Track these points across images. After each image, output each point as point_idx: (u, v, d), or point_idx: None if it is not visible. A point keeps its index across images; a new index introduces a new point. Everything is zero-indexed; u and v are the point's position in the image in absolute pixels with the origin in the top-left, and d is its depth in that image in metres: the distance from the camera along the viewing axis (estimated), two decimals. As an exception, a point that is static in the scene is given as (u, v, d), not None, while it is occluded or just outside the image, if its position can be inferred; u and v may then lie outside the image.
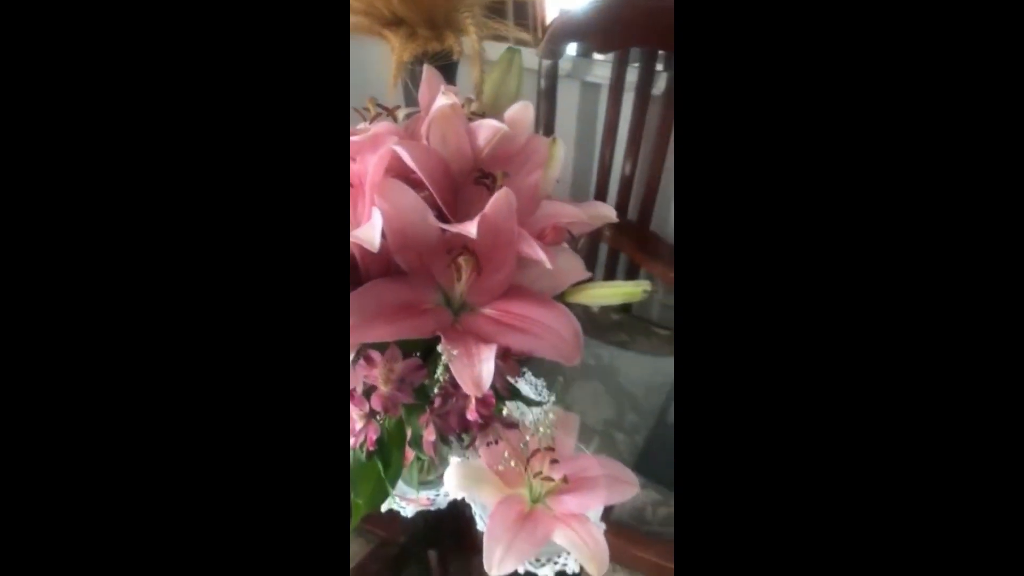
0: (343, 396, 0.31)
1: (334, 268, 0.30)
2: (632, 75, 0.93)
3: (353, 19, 0.47)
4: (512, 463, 0.51)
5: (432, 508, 0.58)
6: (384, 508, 0.57)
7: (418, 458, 0.43)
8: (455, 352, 0.34)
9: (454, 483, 0.51)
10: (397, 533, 0.74)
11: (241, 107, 0.29)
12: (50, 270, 0.27)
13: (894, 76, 0.28)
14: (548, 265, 0.35)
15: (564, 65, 1.00)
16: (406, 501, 0.57)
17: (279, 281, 0.29)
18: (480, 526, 0.55)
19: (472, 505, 0.56)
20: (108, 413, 0.28)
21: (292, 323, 0.29)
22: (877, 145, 0.28)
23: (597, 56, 1.04)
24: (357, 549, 0.83)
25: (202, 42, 0.28)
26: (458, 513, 0.70)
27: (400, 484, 0.46)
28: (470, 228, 0.34)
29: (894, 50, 0.28)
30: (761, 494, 0.28)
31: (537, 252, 0.35)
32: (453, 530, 0.80)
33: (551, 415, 0.38)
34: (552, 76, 0.90)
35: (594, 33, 0.90)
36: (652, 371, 0.98)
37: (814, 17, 0.28)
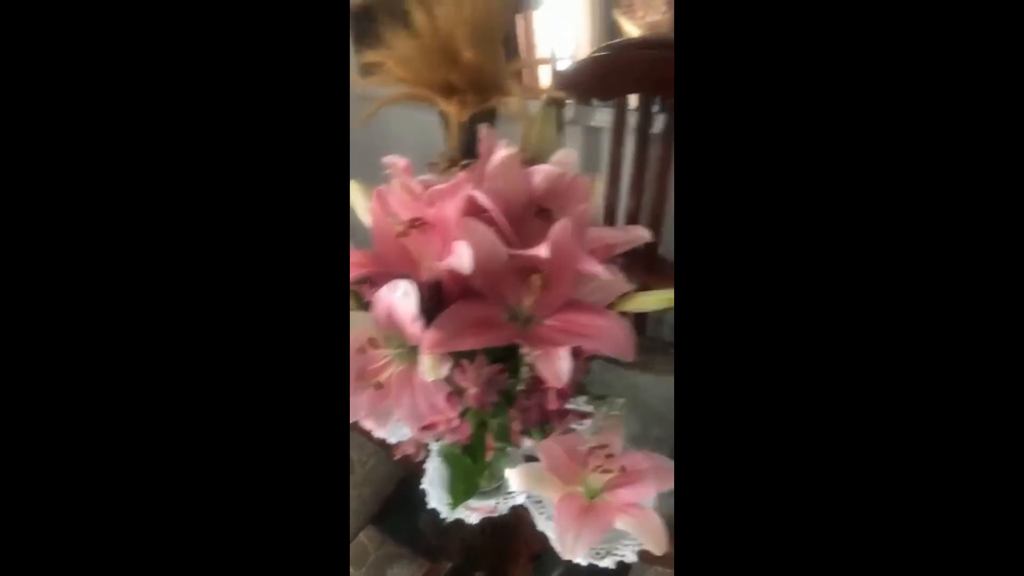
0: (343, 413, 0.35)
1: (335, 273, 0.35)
2: (631, 119, 1.03)
3: (408, 90, 0.56)
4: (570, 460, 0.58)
5: (495, 515, 0.64)
6: (451, 517, 0.63)
7: (500, 452, 0.50)
8: (537, 352, 0.41)
9: (519, 484, 0.57)
10: (451, 553, 0.79)
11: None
12: (47, 268, 0.29)
13: (883, 110, 0.28)
14: (605, 276, 0.43)
15: (567, 113, 1.10)
16: (470, 509, 0.63)
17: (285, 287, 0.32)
18: (540, 525, 0.61)
19: (531, 508, 0.62)
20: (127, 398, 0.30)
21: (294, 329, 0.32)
22: (867, 177, 0.29)
23: (597, 103, 1.15)
24: (411, 572, 0.87)
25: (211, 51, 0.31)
26: (509, 530, 0.75)
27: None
28: (543, 250, 0.42)
29: (884, 86, 0.28)
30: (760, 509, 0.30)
31: (595, 267, 0.43)
32: (501, 548, 0.85)
33: (620, 401, 0.45)
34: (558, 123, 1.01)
35: (594, 82, 1.01)
36: (671, 387, 1.04)
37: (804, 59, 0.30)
